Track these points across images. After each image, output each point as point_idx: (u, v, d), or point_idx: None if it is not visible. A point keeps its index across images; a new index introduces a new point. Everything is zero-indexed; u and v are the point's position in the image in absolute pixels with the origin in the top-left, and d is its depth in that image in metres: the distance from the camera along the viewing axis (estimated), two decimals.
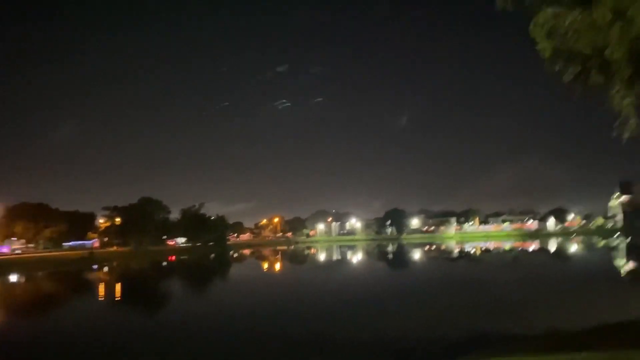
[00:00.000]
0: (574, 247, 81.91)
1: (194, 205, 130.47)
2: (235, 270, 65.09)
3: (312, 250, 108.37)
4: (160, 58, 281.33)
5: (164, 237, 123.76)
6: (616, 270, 42.02)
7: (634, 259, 53.83)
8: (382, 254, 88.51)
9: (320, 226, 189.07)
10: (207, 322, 21.91)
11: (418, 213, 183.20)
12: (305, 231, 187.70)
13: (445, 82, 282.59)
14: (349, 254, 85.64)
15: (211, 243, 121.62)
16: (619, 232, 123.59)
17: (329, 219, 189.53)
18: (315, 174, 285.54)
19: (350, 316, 21.21)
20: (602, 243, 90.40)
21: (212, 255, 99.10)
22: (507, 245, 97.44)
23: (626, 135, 10.82)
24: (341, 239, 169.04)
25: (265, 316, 22.46)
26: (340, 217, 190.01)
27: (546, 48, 10.88)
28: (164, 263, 78.88)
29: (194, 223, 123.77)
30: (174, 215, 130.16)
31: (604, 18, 9.81)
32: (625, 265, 46.71)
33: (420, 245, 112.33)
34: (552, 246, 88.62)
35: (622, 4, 9.81)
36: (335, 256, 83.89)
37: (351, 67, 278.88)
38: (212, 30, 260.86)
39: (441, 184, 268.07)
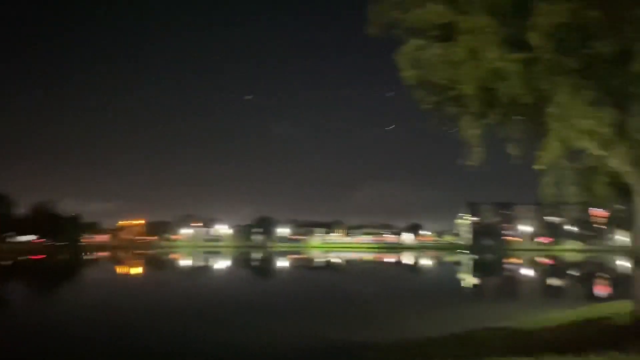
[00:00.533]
0: (428, 261, 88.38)
1: (46, 201, 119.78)
2: (79, 273, 60.41)
3: (175, 256, 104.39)
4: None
5: (10, 233, 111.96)
6: (466, 284, 46.17)
7: (480, 274, 59.85)
8: (247, 261, 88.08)
9: (187, 231, 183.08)
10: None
11: (287, 222, 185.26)
12: (168, 235, 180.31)
13: (321, 102, 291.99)
14: (213, 261, 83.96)
15: (64, 243, 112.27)
16: (468, 250, 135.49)
17: (196, 224, 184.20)
18: (183, 178, 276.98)
19: (191, 328, 20.30)
20: (452, 258, 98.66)
21: (61, 256, 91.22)
22: (368, 256, 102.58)
23: (471, 162, 11.90)
24: (208, 245, 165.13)
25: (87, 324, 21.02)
26: (208, 223, 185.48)
27: (409, 76, 11.63)
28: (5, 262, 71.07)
29: (45, 220, 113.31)
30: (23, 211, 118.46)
31: (459, 55, 10.77)
32: (472, 279, 51.92)
33: (288, 253, 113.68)
34: (409, 259, 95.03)
35: (476, 45, 10.83)
36: (198, 262, 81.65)
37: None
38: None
39: (310, 196, 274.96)
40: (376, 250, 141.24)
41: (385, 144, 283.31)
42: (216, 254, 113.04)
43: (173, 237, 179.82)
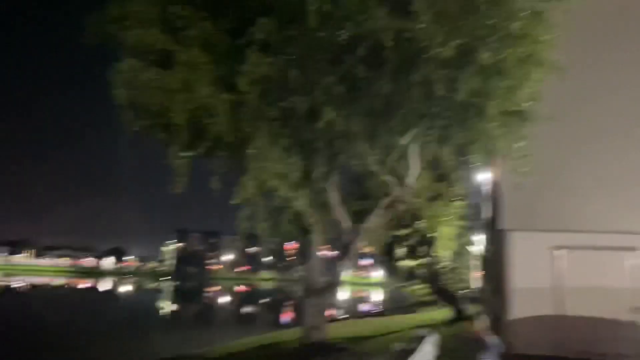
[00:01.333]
0: (127, 287, 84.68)
1: None
2: None
3: None
4: None
5: None
6: (163, 311, 45.58)
7: (179, 301, 60.10)
8: None
9: None
10: None
11: None
12: None
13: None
14: None
15: None
16: (171, 276, 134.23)
17: None
18: None
19: None
20: (153, 285, 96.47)
21: None
22: (60, 281, 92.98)
23: (177, 190, 12.05)
24: None
25: None
26: None
27: (120, 96, 11.21)
28: None
29: None
30: None
31: (173, 85, 10.90)
32: (171, 307, 51.69)
33: None
34: (107, 285, 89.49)
35: (190, 78, 11.14)
36: None
37: None
38: None
39: None
40: (71, 274, 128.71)
41: (93, 161, 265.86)
42: None
43: None
